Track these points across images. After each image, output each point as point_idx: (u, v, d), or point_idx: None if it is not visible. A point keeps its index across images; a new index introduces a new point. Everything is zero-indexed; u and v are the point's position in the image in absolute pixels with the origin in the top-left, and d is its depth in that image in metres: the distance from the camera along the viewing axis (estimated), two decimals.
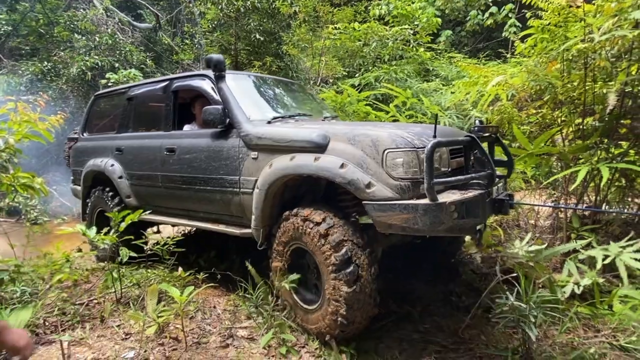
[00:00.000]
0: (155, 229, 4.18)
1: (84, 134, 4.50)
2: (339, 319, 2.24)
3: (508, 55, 7.40)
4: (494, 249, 3.55)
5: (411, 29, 7.95)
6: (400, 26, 7.90)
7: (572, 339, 2.41)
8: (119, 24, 10.00)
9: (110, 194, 3.92)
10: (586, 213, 3.38)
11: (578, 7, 3.04)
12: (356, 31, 7.94)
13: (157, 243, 3.32)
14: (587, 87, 3.06)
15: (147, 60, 9.37)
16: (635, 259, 2.33)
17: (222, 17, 8.55)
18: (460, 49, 10.55)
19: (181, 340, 2.48)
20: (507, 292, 2.27)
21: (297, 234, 2.42)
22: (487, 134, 2.53)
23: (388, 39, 7.83)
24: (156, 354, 2.34)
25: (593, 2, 2.94)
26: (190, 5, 9.63)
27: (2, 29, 9.64)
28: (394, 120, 4.99)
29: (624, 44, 2.91)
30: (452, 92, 5.69)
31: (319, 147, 2.36)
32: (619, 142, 3.27)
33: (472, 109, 5.02)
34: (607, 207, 3.45)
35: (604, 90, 2.98)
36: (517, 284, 2.35)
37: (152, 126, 3.65)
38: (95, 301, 3.01)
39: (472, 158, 2.49)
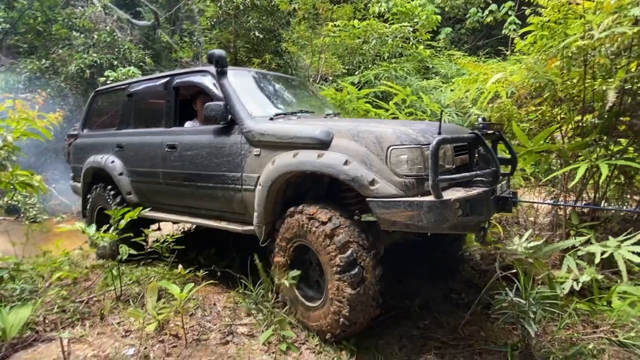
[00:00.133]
0: (156, 226, 4.17)
1: (84, 131, 4.49)
2: (341, 319, 2.23)
3: (508, 53, 7.39)
4: (493, 246, 3.55)
5: (411, 26, 7.93)
6: (399, 24, 7.88)
7: (571, 334, 2.42)
8: (118, 21, 9.97)
9: (112, 192, 3.91)
10: (585, 210, 3.38)
11: (578, 4, 3.03)
12: (356, 29, 7.91)
13: (157, 241, 3.31)
14: (586, 85, 3.06)
15: (146, 58, 9.35)
16: (633, 253, 2.34)
17: (221, 15, 8.53)
18: (460, 47, 10.54)
19: (181, 337, 2.48)
20: (507, 289, 2.28)
21: (302, 231, 2.40)
22: (491, 131, 2.51)
23: (388, 36, 7.81)
24: (156, 351, 2.34)
25: None
26: (189, 2, 9.61)
27: (0, 27, 9.60)
28: (394, 118, 4.98)
29: (623, 41, 2.91)
30: (451, 90, 5.68)
31: (323, 144, 2.34)
32: (618, 139, 3.28)
33: (472, 107, 5.01)
34: (606, 204, 3.45)
35: (604, 88, 2.98)
36: (516, 281, 2.36)
37: (153, 122, 3.64)
38: (95, 299, 3.01)
39: (476, 155, 2.49)
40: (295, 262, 2.55)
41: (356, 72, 7.85)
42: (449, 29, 10.44)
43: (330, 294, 2.28)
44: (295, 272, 2.47)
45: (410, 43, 8.02)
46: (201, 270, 3.12)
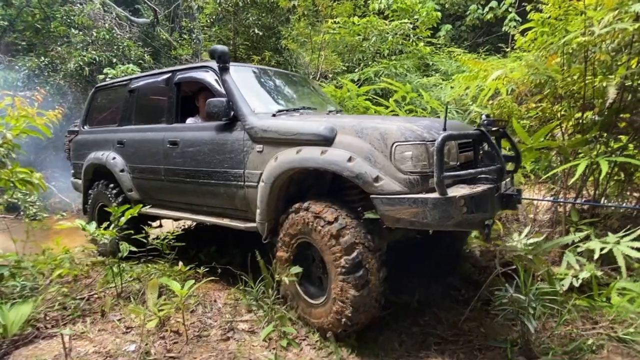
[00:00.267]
0: (157, 223, 4.18)
1: (85, 127, 4.48)
2: (344, 319, 2.23)
3: (508, 50, 7.37)
4: (493, 242, 3.56)
5: (411, 23, 7.90)
6: (399, 20, 7.85)
7: (571, 330, 2.43)
8: (117, 19, 9.92)
9: (113, 189, 3.90)
10: (585, 207, 3.39)
11: (579, 0, 3.03)
12: (355, 25, 7.88)
13: (158, 237, 3.32)
14: (587, 81, 3.06)
15: (145, 55, 9.31)
16: (632, 248, 2.34)
17: (220, 12, 8.50)
18: (460, 44, 10.51)
19: (182, 333, 2.49)
20: (506, 285, 2.28)
21: (307, 229, 2.38)
22: (495, 128, 2.50)
23: (388, 33, 7.78)
24: (157, 347, 2.35)
25: None
26: None
27: None
28: (394, 115, 4.98)
29: (624, 38, 2.91)
30: (451, 87, 5.68)
31: (326, 140, 2.33)
32: (618, 136, 3.28)
33: (472, 104, 5.00)
34: (605, 201, 3.46)
35: (604, 84, 2.99)
36: (516, 277, 2.37)
37: (155, 119, 3.62)
38: (96, 296, 3.02)
39: (480, 152, 2.48)
40: (298, 257, 2.54)
41: (356, 70, 7.83)
42: (449, 26, 10.40)
43: (333, 294, 2.27)
44: (297, 269, 2.46)
45: (410, 40, 8.00)
46: (202, 267, 3.12)
